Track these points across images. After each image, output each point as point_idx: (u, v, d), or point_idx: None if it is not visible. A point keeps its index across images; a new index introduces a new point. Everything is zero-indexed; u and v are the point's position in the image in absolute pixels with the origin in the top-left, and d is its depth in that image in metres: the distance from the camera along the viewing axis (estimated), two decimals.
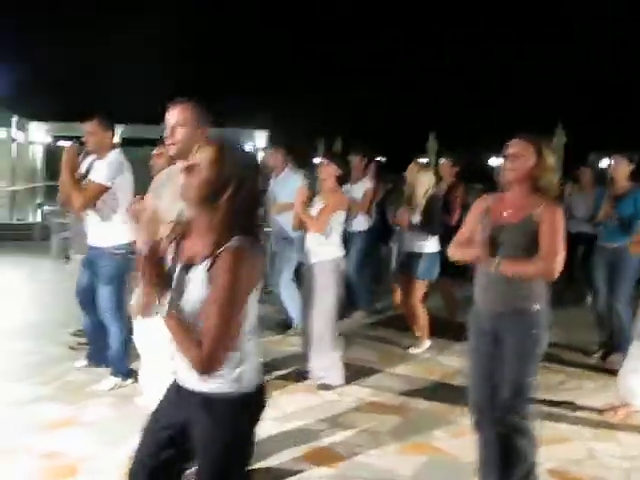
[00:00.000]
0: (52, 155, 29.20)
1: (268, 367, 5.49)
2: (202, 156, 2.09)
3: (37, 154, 26.75)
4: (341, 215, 5.13)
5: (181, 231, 2.24)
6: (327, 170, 5.15)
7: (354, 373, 5.35)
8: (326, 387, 5.05)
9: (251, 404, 2.22)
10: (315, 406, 4.74)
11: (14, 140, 23.21)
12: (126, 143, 26.82)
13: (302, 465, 3.83)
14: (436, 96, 34.45)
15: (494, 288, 3.28)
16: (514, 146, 3.23)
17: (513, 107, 31.97)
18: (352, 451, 4.03)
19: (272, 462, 3.82)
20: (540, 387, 5.15)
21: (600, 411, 4.74)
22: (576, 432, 4.42)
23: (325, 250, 5.06)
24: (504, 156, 3.26)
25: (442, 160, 7.05)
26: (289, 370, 5.43)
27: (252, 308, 2.16)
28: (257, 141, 25.32)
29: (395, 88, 36.74)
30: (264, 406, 2.28)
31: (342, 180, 5.22)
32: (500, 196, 3.36)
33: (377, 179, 7.54)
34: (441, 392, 5.07)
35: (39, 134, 25.57)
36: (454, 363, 5.72)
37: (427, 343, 6.19)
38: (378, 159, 7.25)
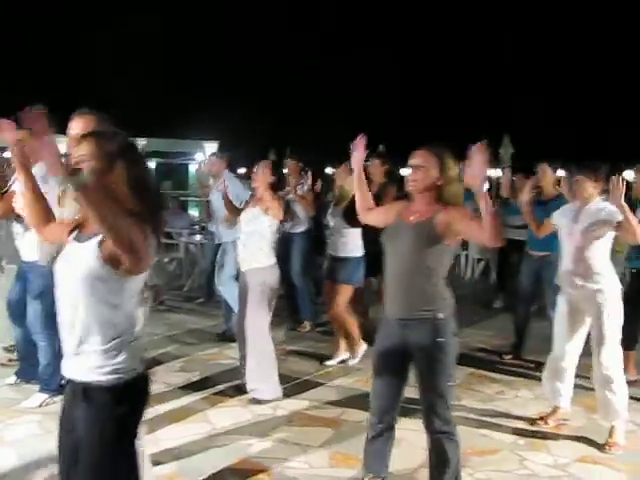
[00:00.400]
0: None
1: (204, 381, 5.40)
2: (82, 149, 2.23)
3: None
4: (274, 223, 5.03)
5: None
6: (259, 178, 5.05)
7: (292, 386, 5.27)
8: (258, 401, 4.92)
9: (132, 393, 2.27)
10: (245, 420, 4.63)
11: None
12: None
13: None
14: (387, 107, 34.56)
15: (399, 294, 3.29)
16: (417, 157, 3.25)
17: (458, 116, 32.29)
18: (281, 464, 3.95)
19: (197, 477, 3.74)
20: (477, 397, 5.22)
21: (533, 420, 4.74)
22: (509, 442, 4.40)
23: (257, 258, 4.97)
24: (409, 166, 3.29)
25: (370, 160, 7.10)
26: (226, 384, 5.30)
27: (133, 297, 2.26)
28: (207, 152, 25.02)
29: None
30: (147, 395, 2.36)
31: (276, 187, 5.11)
32: (407, 204, 3.40)
33: (313, 186, 7.58)
34: None
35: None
36: None
37: (362, 349, 5.99)
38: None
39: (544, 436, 4.50)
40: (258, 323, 4.94)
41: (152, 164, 23.39)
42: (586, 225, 4.32)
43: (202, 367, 5.78)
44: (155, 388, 5.09)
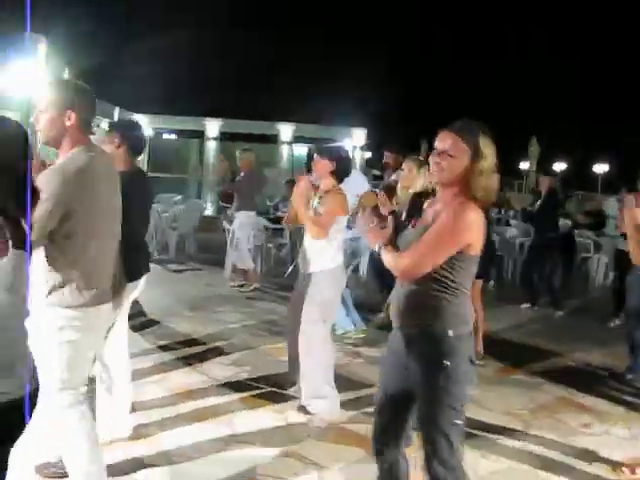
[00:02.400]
0: (153, 147, 30.25)
1: (252, 379, 4.98)
2: None
3: None
4: (341, 221, 4.46)
5: None
6: (319, 166, 4.48)
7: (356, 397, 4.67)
8: (307, 412, 4.36)
9: None
10: (270, 428, 4.15)
11: None
12: None
13: None
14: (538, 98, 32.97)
15: (401, 302, 2.67)
16: (443, 140, 2.58)
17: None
18: None
19: None
20: (556, 428, 4.37)
21: (615, 466, 3.82)
22: None
23: (323, 258, 4.39)
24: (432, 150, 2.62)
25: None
26: (274, 386, 4.81)
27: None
28: (355, 139, 24.93)
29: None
30: (17, 424, 1.92)
31: (340, 174, 4.52)
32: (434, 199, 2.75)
33: None
34: None
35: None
36: None
37: None
38: None
39: None
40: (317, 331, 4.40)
41: (302, 149, 23.82)
42: None
43: (258, 362, 5.37)
44: (196, 381, 4.89)
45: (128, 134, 3.88)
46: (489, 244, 6.04)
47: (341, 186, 4.50)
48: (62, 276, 2.77)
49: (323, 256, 4.39)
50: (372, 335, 6.26)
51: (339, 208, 4.34)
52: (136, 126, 4.21)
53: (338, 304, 4.79)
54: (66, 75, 17.36)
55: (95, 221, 2.82)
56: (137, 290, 3.90)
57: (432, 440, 2.58)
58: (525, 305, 8.02)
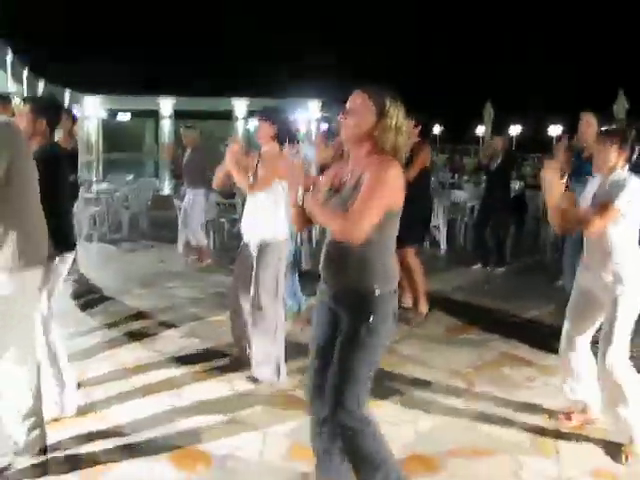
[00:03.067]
0: (107, 128, 29.80)
1: (203, 351, 4.99)
2: None
3: (91, 128, 27.12)
4: (284, 187, 4.36)
5: None
6: (261, 130, 4.45)
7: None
8: (255, 380, 4.42)
9: None
10: (221, 398, 4.18)
11: None
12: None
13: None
14: (491, 64, 33.04)
15: (329, 259, 2.73)
16: (353, 99, 2.65)
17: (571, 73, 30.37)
18: (229, 450, 3.47)
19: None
20: (500, 383, 4.47)
21: (553, 414, 3.94)
22: (513, 443, 3.64)
23: (273, 227, 4.40)
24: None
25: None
26: (226, 358, 4.83)
27: None
28: (311, 111, 24.91)
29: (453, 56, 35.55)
30: None
31: (281, 139, 4.47)
32: (343, 164, 2.79)
33: None
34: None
35: (93, 107, 25.88)
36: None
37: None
38: None
39: (561, 437, 3.70)
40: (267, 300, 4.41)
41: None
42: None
43: (208, 335, 5.37)
44: (145, 356, 4.87)
45: (45, 108, 3.81)
46: (424, 209, 6.09)
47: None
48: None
49: (273, 224, 4.39)
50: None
51: (274, 172, 4.27)
52: (52, 100, 4.19)
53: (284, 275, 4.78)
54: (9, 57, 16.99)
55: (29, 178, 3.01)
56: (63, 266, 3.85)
57: (342, 390, 2.65)
58: (476, 266, 8.14)
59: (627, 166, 3.47)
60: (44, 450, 3.31)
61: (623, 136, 3.43)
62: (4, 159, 2.83)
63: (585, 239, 3.63)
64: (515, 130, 36.16)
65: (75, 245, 3.96)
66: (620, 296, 3.41)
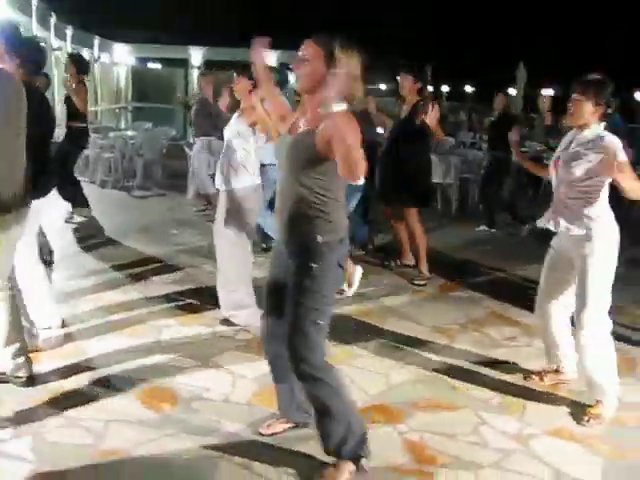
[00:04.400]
0: (137, 76, 29.77)
1: (191, 295, 5.06)
2: None
3: (121, 75, 27.15)
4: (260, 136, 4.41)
5: None
6: (238, 85, 4.46)
7: None
8: (230, 323, 4.48)
9: None
10: (198, 341, 4.25)
11: (97, 60, 23.51)
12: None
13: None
14: (524, 24, 31.91)
15: (281, 210, 2.75)
16: (303, 48, 2.62)
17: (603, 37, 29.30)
18: (198, 393, 3.53)
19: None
20: (480, 341, 4.44)
21: (527, 375, 3.91)
22: (481, 400, 3.64)
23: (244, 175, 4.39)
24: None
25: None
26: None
27: None
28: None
29: (484, 17, 34.45)
30: None
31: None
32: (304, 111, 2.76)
33: None
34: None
35: (123, 55, 25.86)
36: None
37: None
38: None
39: (529, 397, 3.68)
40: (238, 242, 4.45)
41: None
42: None
43: (199, 281, 5.43)
44: (132, 298, 4.94)
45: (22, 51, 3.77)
46: (423, 171, 5.95)
47: None
48: None
49: (243, 173, 4.38)
50: None
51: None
52: (30, 42, 4.12)
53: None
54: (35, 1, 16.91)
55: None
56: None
57: (292, 338, 2.68)
58: (482, 227, 8.01)
59: (602, 124, 3.34)
60: (31, 378, 3.48)
61: (600, 88, 3.29)
62: None
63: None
64: (547, 92, 35.25)
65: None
66: (589, 255, 3.34)
